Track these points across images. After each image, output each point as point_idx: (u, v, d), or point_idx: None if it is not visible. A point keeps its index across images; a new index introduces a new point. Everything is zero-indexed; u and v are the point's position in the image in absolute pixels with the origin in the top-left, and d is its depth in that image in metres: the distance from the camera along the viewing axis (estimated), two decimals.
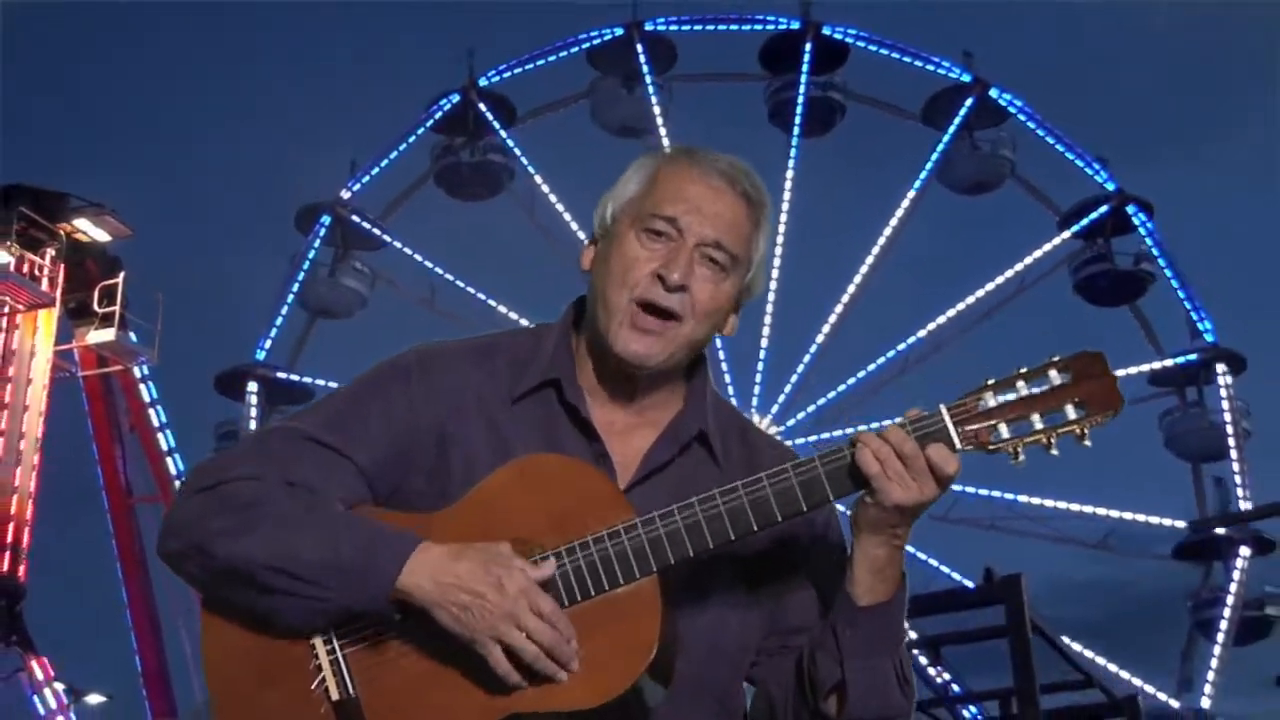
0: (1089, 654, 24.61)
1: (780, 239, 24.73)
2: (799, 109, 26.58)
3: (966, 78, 27.03)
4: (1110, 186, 26.71)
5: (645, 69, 27.15)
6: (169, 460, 19.81)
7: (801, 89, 26.74)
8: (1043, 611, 9.66)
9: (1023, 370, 1.94)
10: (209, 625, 2.01)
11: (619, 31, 27.42)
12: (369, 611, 1.90)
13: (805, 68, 26.71)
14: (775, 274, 24.14)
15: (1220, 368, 25.63)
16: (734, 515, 1.92)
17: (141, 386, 20.09)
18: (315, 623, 1.94)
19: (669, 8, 28.69)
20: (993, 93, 26.91)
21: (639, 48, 27.24)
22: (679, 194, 2.07)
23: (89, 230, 19.52)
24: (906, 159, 27.74)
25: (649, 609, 1.88)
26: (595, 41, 27.67)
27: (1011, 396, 1.92)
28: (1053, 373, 1.92)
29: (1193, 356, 25.86)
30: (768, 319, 24.75)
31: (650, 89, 27.15)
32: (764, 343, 24.77)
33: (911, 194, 26.57)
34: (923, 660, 18.58)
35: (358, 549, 1.89)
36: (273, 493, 1.97)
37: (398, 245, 27.48)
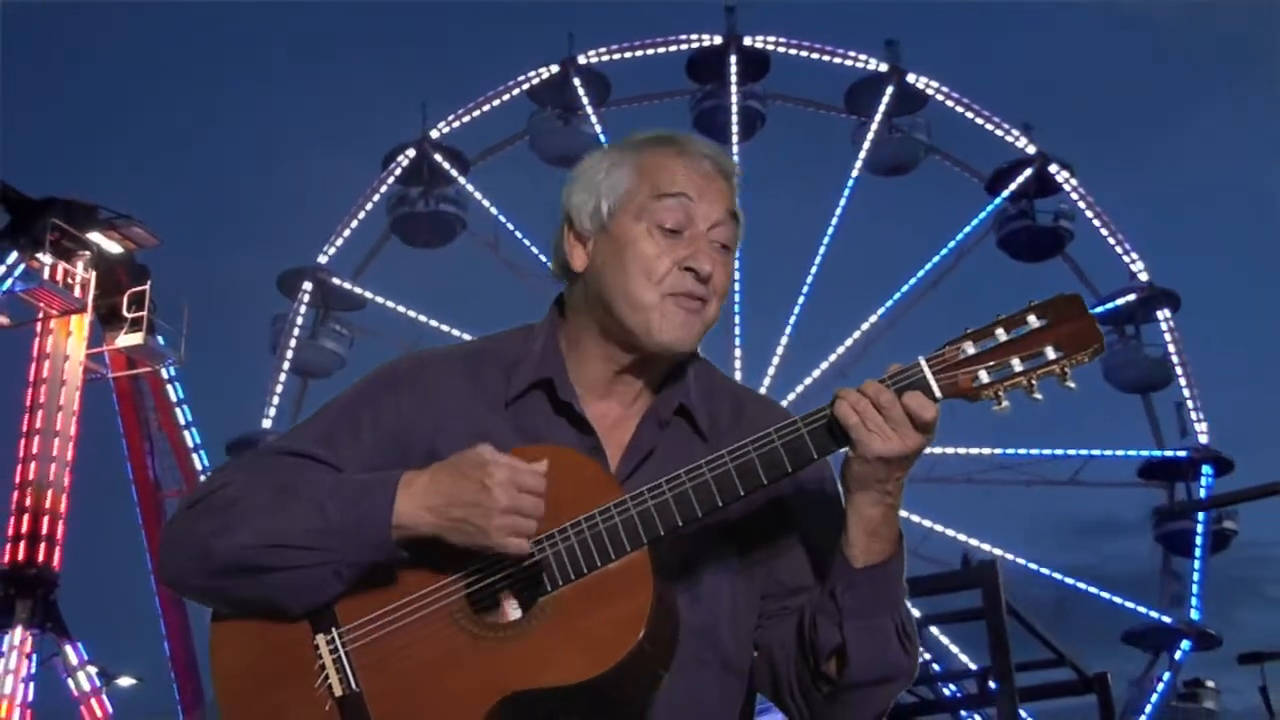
0: (1081, 586, 26.05)
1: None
2: (733, 119, 28.48)
3: (884, 67, 29.08)
4: (1031, 150, 28.78)
5: (584, 101, 28.82)
6: (195, 456, 20.60)
7: (734, 103, 28.60)
8: (1017, 595, 9.89)
9: (1000, 317, 1.93)
10: (217, 640, 2.02)
11: (555, 69, 29.09)
12: (380, 558, 1.92)
13: (734, 80, 28.66)
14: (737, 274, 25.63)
15: (1158, 304, 27.89)
16: (720, 482, 1.92)
17: (168, 387, 20.87)
18: (333, 587, 1.93)
19: (605, 24, 29.87)
20: (910, 78, 29.02)
21: (576, 82, 28.92)
22: (681, 184, 2.07)
23: (118, 240, 20.36)
24: (828, 147, 30.02)
25: (641, 580, 1.88)
26: (534, 81, 29.23)
27: (991, 344, 1.91)
28: (1031, 318, 1.91)
29: (1132, 296, 27.94)
30: (736, 318, 26.14)
31: (589, 120, 28.75)
32: (736, 341, 26.14)
33: (850, 183, 28.66)
34: None
35: (346, 505, 1.91)
36: (255, 488, 1.99)
37: (379, 300, 28.44)
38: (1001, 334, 1.90)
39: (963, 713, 21.33)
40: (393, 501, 1.89)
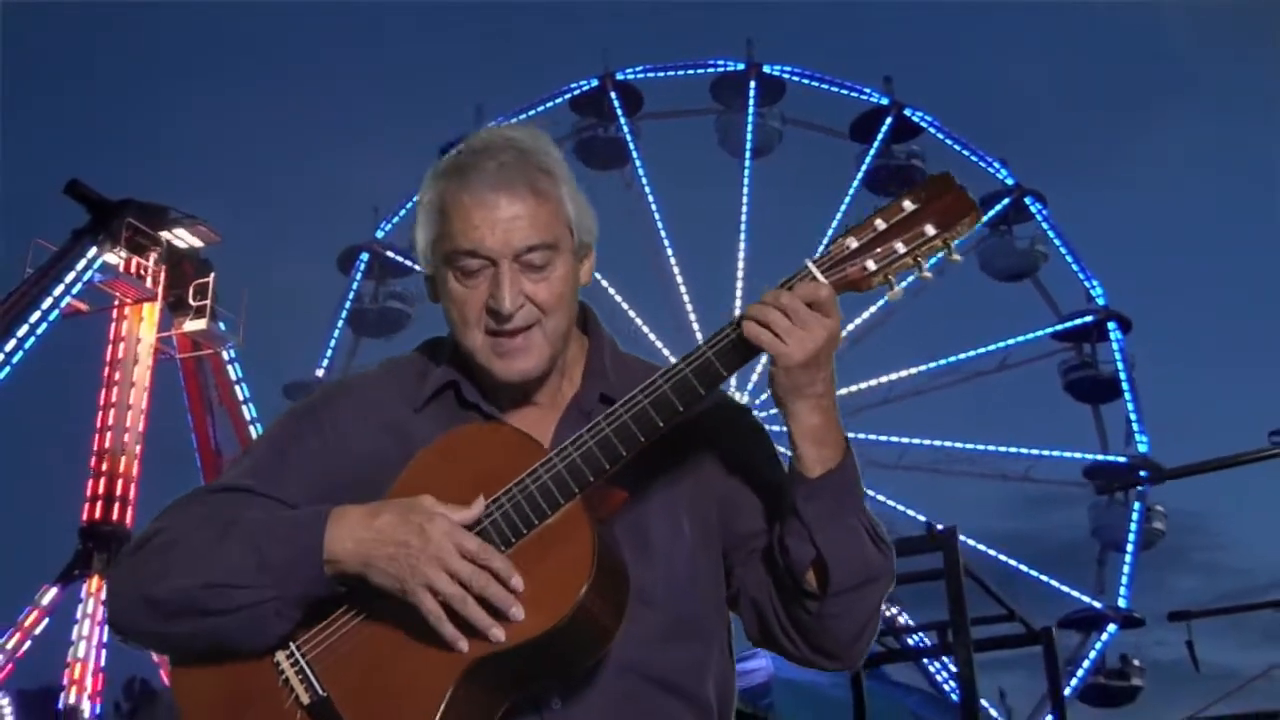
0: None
1: (670, 253, 30.34)
2: (632, 150, 32.13)
3: (741, 66, 32.63)
4: (884, 101, 32.43)
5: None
6: (251, 428, 21.88)
7: (627, 136, 32.09)
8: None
9: (878, 209, 1.89)
10: (179, 683, 1.98)
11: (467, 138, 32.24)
12: (315, 593, 1.88)
13: (620, 115, 32.12)
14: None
15: (1029, 199, 31.24)
16: (639, 417, 1.88)
17: (229, 367, 22.28)
18: (276, 625, 1.90)
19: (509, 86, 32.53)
20: (766, 69, 32.53)
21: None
22: (468, 223, 1.95)
23: (185, 237, 22.01)
24: (710, 143, 33.41)
25: (579, 527, 1.84)
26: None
27: (872, 235, 1.87)
28: (906, 203, 1.87)
29: (1006, 200, 31.04)
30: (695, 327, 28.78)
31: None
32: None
33: (747, 174, 32.15)
34: None
35: (279, 541, 1.88)
36: (190, 530, 1.95)
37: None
38: (881, 224, 1.87)
39: (925, 660, 23.92)
40: (323, 534, 1.86)
